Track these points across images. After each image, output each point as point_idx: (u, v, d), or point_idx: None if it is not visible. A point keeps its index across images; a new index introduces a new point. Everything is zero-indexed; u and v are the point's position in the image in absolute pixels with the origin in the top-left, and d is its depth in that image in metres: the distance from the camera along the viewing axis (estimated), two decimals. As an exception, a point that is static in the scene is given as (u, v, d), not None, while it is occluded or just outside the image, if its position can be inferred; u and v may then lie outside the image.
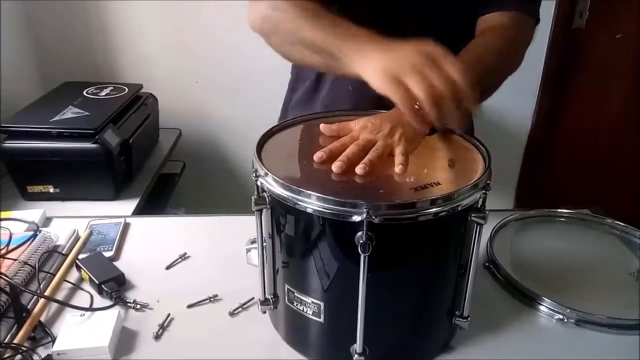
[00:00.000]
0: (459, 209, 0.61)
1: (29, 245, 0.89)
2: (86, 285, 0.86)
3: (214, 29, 1.88)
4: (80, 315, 0.76)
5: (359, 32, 0.72)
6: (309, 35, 0.75)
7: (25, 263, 0.85)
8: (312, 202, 0.60)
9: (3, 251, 0.86)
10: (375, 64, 0.67)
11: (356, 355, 0.66)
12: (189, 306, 0.82)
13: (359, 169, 0.67)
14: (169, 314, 0.80)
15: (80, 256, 0.91)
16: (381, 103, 0.74)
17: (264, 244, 0.71)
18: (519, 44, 0.95)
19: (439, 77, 0.64)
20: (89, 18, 1.85)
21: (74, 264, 0.89)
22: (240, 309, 0.81)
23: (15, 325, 0.74)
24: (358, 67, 0.70)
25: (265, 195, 0.66)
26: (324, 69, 0.75)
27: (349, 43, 0.72)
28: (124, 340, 0.75)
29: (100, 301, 0.83)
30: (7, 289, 0.77)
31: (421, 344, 0.74)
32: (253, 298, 0.82)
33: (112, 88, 1.61)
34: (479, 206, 0.64)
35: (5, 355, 0.70)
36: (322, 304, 0.67)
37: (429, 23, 0.93)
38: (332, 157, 0.69)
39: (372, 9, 0.89)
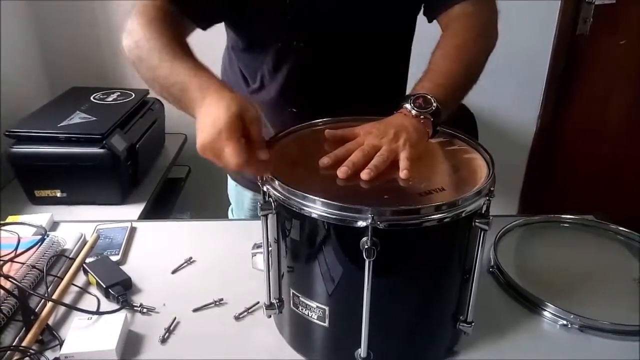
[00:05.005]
0: (463, 214, 0.62)
1: (37, 249, 0.90)
2: (93, 289, 0.87)
3: (220, 33, 1.89)
4: (88, 319, 0.77)
5: (203, 84, 0.71)
6: (159, 77, 0.75)
7: (33, 267, 0.85)
8: (317, 208, 0.61)
9: (11, 255, 0.87)
10: (197, 137, 0.66)
11: (360, 360, 0.67)
12: (195, 310, 0.83)
13: (364, 174, 0.68)
14: (174, 318, 0.80)
15: (88, 260, 0.92)
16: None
17: (270, 248, 0.72)
18: (490, 23, 0.96)
19: (234, 158, 0.63)
20: (96, 24, 1.86)
21: (81, 268, 0.90)
22: (245, 313, 0.82)
23: (24, 328, 0.75)
24: (196, 116, 0.70)
25: (271, 201, 0.67)
26: (178, 108, 0.76)
27: (185, 96, 0.71)
28: (131, 344, 0.76)
29: (107, 305, 0.83)
30: (16, 292, 0.78)
31: (425, 349, 0.74)
32: (258, 302, 0.83)
33: (119, 93, 1.62)
34: (483, 212, 0.65)
35: (14, 358, 0.71)
36: (326, 308, 0.67)
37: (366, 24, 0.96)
38: (337, 162, 0.70)
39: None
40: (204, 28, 0.92)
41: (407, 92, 0.83)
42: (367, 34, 0.97)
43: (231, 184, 1.23)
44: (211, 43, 1.06)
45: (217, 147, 0.64)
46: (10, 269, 0.84)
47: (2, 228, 0.96)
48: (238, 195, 1.21)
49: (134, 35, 0.80)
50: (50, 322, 0.78)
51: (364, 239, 0.59)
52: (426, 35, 0.99)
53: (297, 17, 0.93)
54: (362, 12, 0.95)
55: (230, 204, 1.28)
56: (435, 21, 0.99)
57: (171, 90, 0.74)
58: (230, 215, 1.29)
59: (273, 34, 0.96)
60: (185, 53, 0.77)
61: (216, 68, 1.07)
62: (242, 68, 1.05)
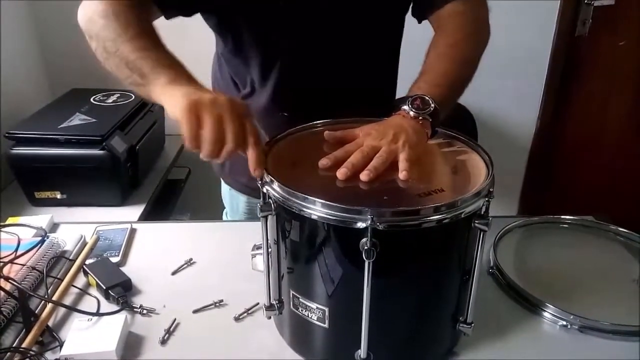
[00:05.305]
0: (463, 216, 0.62)
1: (37, 251, 0.90)
2: (93, 291, 0.87)
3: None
4: (88, 320, 0.77)
5: (173, 64, 0.73)
6: (125, 50, 0.75)
7: (33, 268, 0.86)
8: (317, 209, 0.61)
9: (11, 256, 0.87)
10: (182, 96, 0.67)
11: (360, 361, 0.67)
12: (195, 311, 0.83)
13: (363, 176, 0.68)
14: (174, 319, 0.80)
15: (88, 261, 0.92)
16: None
17: (269, 249, 0.72)
18: (482, 21, 0.96)
19: (233, 129, 0.65)
20: (96, 26, 1.86)
21: (81, 269, 0.90)
22: (245, 314, 0.82)
23: (24, 330, 0.75)
24: (163, 96, 0.71)
25: (271, 202, 0.67)
26: (132, 87, 0.76)
27: (160, 72, 0.72)
28: (131, 345, 0.76)
29: (107, 306, 0.83)
30: (16, 293, 0.78)
31: (425, 350, 0.74)
32: (258, 303, 0.83)
33: (119, 95, 1.62)
34: (482, 213, 0.65)
35: (14, 359, 0.71)
36: (326, 309, 0.67)
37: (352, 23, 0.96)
38: (336, 164, 0.70)
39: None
40: (168, 17, 0.90)
41: (397, 93, 0.83)
42: (356, 35, 0.97)
43: (225, 188, 1.22)
44: (202, 49, 1.08)
45: (235, 110, 0.66)
46: (10, 270, 0.84)
47: (2, 230, 0.96)
48: (232, 199, 1.20)
49: (96, 5, 0.79)
50: (50, 323, 0.78)
51: (364, 240, 0.59)
52: (418, 36, 0.99)
53: (287, 20, 0.93)
54: (351, 13, 0.95)
55: (224, 207, 1.28)
56: (424, 23, 0.98)
57: (142, 63, 0.73)
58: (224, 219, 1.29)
59: (262, 37, 0.96)
60: (161, 42, 0.79)
61: (207, 74, 1.11)
62: (232, 74, 1.05)
